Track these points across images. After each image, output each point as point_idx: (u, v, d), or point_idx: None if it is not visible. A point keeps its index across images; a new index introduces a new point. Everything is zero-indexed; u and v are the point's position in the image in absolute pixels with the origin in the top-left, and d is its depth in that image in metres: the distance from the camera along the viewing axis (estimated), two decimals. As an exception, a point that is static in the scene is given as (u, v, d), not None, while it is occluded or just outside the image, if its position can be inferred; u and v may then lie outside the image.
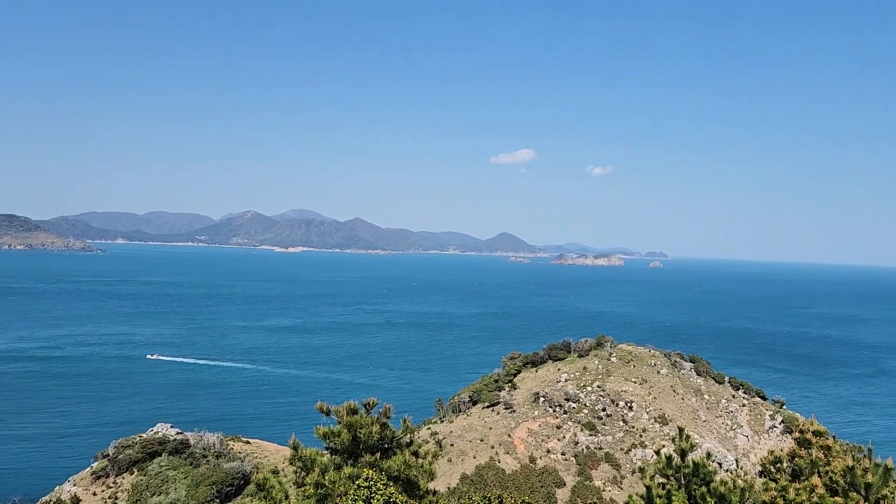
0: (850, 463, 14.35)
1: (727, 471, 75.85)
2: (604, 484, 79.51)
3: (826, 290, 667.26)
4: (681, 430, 17.09)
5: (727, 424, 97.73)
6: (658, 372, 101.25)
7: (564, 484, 79.00)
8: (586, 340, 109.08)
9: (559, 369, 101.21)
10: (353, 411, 16.07)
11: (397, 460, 15.49)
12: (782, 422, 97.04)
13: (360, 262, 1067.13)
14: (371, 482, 14.36)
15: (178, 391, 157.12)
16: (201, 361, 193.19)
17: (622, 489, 78.37)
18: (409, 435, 16.99)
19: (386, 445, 16.13)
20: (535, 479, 77.92)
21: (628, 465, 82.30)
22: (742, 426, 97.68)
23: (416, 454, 16.45)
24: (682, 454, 16.81)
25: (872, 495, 13.62)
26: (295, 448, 15.90)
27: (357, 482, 14.56)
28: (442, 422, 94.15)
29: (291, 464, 15.71)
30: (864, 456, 23.85)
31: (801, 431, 16.83)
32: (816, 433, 16.69)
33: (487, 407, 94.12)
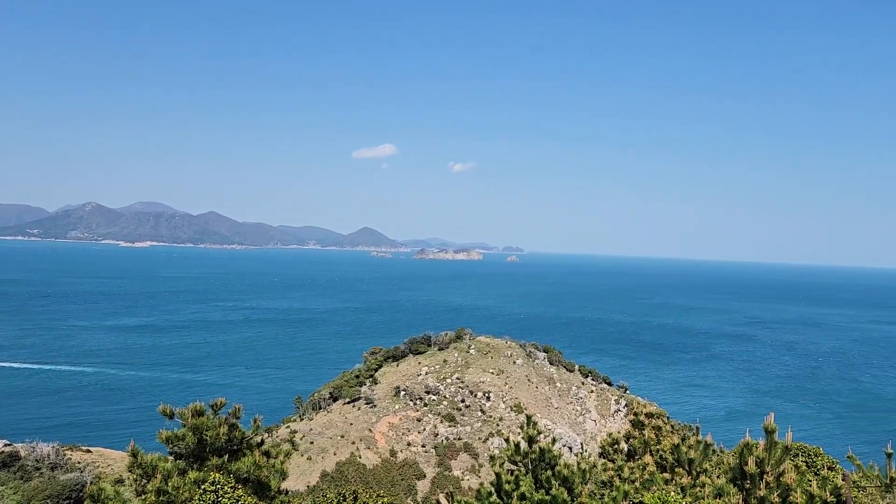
0: (677, 441, 15.60)
1: (576, 454, 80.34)
2: (462, 473, 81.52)
3: (665, 281, 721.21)
4: (528, 417, 17.83)
5: (577, 410, 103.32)
6: (514, 362, 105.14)
7: (425, 475, 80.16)
8: (446, 333, 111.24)
9: (420, 363, 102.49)
10: (200, 413, 15.37)
11: (246, 461, 14.98)
12: (626, 405, 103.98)
13: (216, 257, 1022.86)
14: (218, 485, 13.81)
15: (6, 400, 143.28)
16: (34, 366, 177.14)
17: (480, 477, 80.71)
18: (259, 435, 16.51)
19: (235, 447, 15.57)
20: (395, 473, 78.48)
21: (486, 454, 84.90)
22: (591, 411, 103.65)
23: (267, 454, 16.00)
24: (530, 441, 17.55)
25: (695, 469, 14.89)
26: (134, 455, 14.95)
27: (203, 486, 13.95)
28: (302, 419, 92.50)
29: (130, 471, 14.77)
30: (693, 434, 26.04)
31: (636, 414, 18.10)
32: (649, 415, 18.01)
33: (348, 403, 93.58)
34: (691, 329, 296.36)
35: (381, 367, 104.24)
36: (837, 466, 19.51)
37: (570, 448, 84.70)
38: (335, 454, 79.96)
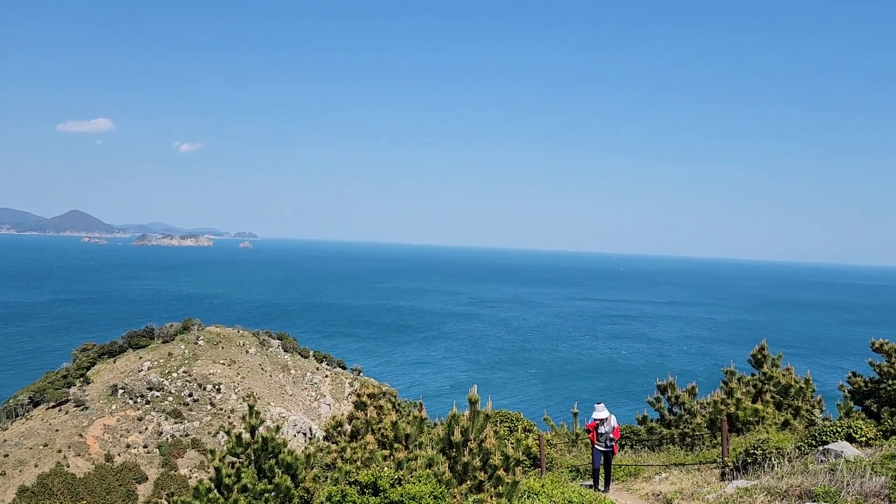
0: (395, 418, 16.31)
1: (310, 439, 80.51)
2: (190, 471, 77.27)
3: (398, 266, 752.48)
4: (251, 407, 17.35)
5: (312, 395, 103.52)
6: (247, 352, 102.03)
7: (147, 478, 74.49)
8: (171, 325, 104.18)
9: (141, 357, 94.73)
10: None
11: None
12: (359, 387, 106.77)
13: None
14: None
15: None
16: None
17: (210, 473, 77.27)
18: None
19: None
20: (112, 479, 71.76)
21: (217, 449, 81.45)
22: (325, 396, 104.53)
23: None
24: (252, 431, 17.11)
25: (411, 443, 15.71)
26: None
27: None
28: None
29: None
30: (416, 409, 27.49)
31: (358, 395, 18.58)
32: (371, 395, 18.59)
33: (53, 407, 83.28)
34: (422, 310, 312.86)
35: (94, 364, 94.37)
36: (534, 428, 22.03)
37: (305, 434, 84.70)
38: (37, 466, 70.76)
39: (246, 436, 16.94)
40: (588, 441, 21.09)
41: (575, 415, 24.00)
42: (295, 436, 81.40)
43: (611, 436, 17.37)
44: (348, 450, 16.69)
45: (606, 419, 17.48)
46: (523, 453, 12.93)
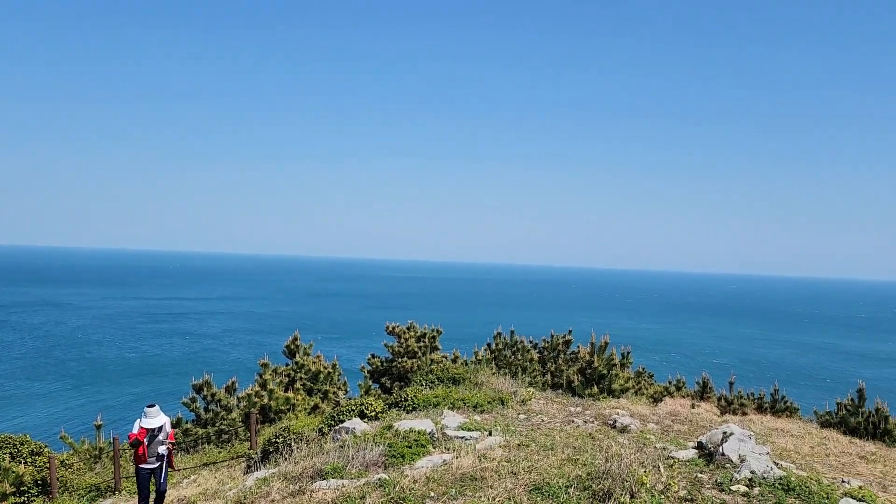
0: None
1: None
2: None
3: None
4: None
5: None
6: None
7: None
8: None
9: None
10: None
11: None
12: None
13: None
14: None
15: None
16: None
17: None
18: None
19: None
20: None
21: None
22: None
23: None
24: None
25: None
26: None
27: None
28: None
29: None
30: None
31: None
32: None
33: None
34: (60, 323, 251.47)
35: None
36: (45, 449, 19.13)
37: None
38: None
39: None
40: (112, 454, 19.13)
41: (98, 427, 21.67)
42: None
43: (167, 445, 13.70)
44: None
45: (160, 427, 13.58)
46: (19, 482, 11.01)
